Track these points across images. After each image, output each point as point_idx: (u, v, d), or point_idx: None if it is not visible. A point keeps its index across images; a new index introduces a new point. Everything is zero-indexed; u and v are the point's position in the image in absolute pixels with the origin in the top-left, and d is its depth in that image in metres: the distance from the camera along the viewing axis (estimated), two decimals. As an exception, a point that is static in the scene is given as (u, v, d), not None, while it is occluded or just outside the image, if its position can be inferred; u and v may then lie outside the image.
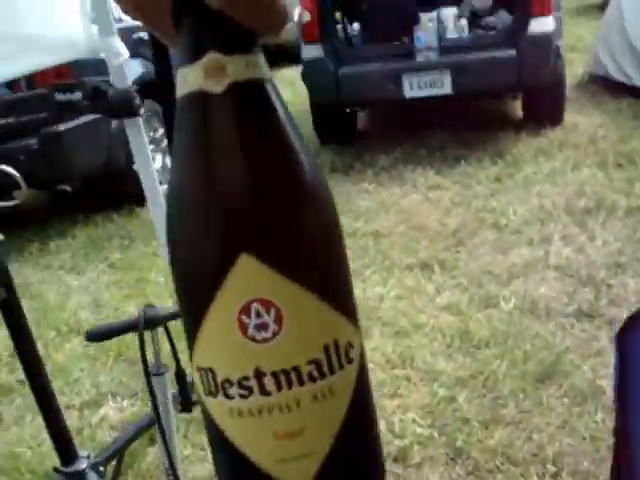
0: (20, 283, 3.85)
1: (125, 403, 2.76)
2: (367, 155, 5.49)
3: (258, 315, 0.37)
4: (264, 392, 0.37)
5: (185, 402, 1.76)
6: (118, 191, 4.98)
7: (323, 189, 0.40)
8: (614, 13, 6.63)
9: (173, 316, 1.54)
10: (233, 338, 0.37)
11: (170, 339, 1.57)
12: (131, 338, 1.93)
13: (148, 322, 1.48)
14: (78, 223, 4.91)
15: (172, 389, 1.70)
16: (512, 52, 4.95)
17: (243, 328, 0.37)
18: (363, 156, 5.48)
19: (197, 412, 2.57)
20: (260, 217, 0.37)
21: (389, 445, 2.34)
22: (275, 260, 0.37)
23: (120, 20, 5.03)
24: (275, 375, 0.37)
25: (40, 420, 1.71)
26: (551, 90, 5.38)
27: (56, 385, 2.79)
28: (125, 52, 1.53)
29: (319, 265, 0.40)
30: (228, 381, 0.38)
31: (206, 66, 0.37)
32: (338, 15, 5.55)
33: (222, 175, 0.38)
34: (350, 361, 0.40)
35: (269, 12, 0.38)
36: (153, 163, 5.02)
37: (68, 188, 4.64)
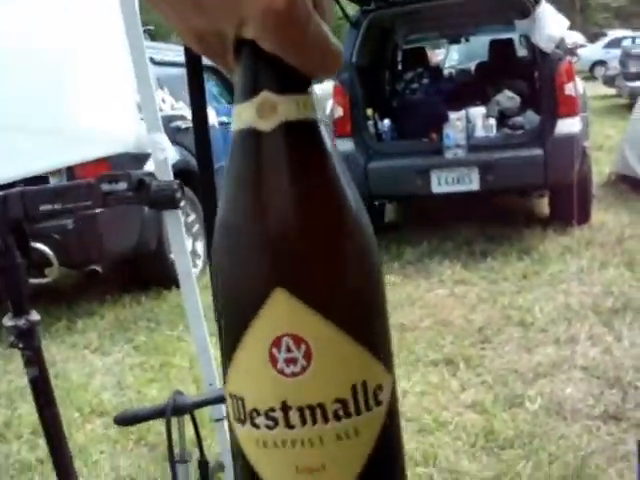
0: (46, 360, 3.90)
1: (143, 490, 2.74)
2: (394, 248, 5.54)
3: (288, 350, 0.38)
4: (289, 425, 0.38)
5: (208, 492, 1.75)
6: (147, 274, 5.06)
7: (367, 231, 0.41)
8: (642, 113, 6.76)
9: (201, 404, 1.56)
10: (263, 370, 0.38)
11: (196, 427, 1.58)
12: (152, 422, 1.94)
13: (176, 409, 1.50)
14: (106, 303, 4.97)
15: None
16: (539, 152, 5.04)
17: (273, 361, 0.38)
18: (390, 249, 5.53)
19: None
20: (299, 253, 0.38)
21: None
22: (309, 296, 0.38)
23: (160, 109, 5.25)
24: (300, 410, 0.38)
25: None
26: (578, 189, 5.44)
27: (75, 466, 2.81)
28: (170, 147, 1.61)
29: (355, 305, 0.40)
30: (256, 410, 0.39)
31: (258, 104, 0.38)
32: (369, 111, 5.70)
33: (267, 208, 0.39)
34: (379, 403, 0.40)
35: (322, 55, 0.38)
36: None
37: (99, 269, 4.72)
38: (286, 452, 0.39)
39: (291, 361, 0.38)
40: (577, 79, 5.41)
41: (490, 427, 2.94)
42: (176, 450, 1.59)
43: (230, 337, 0.40)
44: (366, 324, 0.41)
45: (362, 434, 0.40)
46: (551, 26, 5.22)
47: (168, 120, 4.33)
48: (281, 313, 0.38)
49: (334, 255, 0.40)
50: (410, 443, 2.87)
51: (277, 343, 0.38)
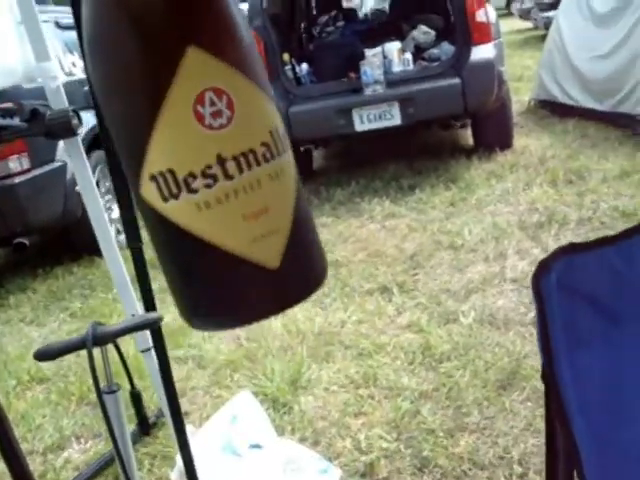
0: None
1: (89, 445, 2.73)
2: (324, 191, 5.56)
3: (212, 103, 0.38)
4: (228, 176, 0.39)
5: (142, 421, 1.76)
6: (77, 243, 4.97)
7: None
8: (555, 39, 6.86)
9: (122, 332, 1.55)
10: (192, 130, 0.38)
11: (121, 355, 1.57)
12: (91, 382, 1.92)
13: (97, 339, 1.48)
14: (38, 277, 4.88)
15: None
16: (456, 80, 5.08)
17: (200, 118, 0.38)
18: (320, 192, 5.54)
19: (161, 446, 2.56)
20: (205, 9, 0.38)
21: (356, 462, 2.34)
22: (220, 50, 0.38)
23: (71, 73, 5.10)
24: (235, 159, 0.40)
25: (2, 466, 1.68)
26: (498, 115, 5.53)
27: (19, 432, 2.78)
28: (61, 75, 1.57)
29: (257, 59, 0.41)
30: (191, 175, 0.39)
31: None
32: (286, 56, 5.65)
33: None
34: (286, 147, 0.43)
35: None
36: (111, 212, 4.99)
37: (26, 242, 4.61)
38: (230, 205, 0.41)
39: (217, 114, 0.39)
40: (488, 6, 5.44)
41: (427, 344, 3.00)
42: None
43: (141, 122, 0.39)
44: (264, 76, 0.44)
45: (286, 172, 0.44)
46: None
47: (82, 84, 4.22)
48: (198, 70, 0.38)
49: (237, 9, 0.40)
50: (350, 368, 2.92)
51: (200, 99, 0.38)
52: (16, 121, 1.52)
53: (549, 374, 0.86)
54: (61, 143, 2.66)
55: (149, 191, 0.40)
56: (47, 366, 3.45)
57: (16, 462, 1.62)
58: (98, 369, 1.46)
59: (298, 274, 0.48)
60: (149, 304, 1.62)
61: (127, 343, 2.47)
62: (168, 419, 1.93)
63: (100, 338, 1.51)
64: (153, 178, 0.40)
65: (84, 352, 1.41)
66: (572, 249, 0.88)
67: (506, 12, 21.16)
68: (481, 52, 5.12)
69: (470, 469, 2.24)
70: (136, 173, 0.40)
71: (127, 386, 2.31)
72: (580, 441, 0.93)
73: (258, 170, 0.41)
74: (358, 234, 4.54)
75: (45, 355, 1.52)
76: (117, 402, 1.61)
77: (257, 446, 2.01)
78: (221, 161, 0.39)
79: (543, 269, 0.86)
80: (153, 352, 1.79)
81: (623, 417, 0.99)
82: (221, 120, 0.40)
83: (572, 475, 0.96)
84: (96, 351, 1.50)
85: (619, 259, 0.93)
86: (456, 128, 6.10)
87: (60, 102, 1.54)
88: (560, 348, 0.87)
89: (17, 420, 2.90)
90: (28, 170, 4.44)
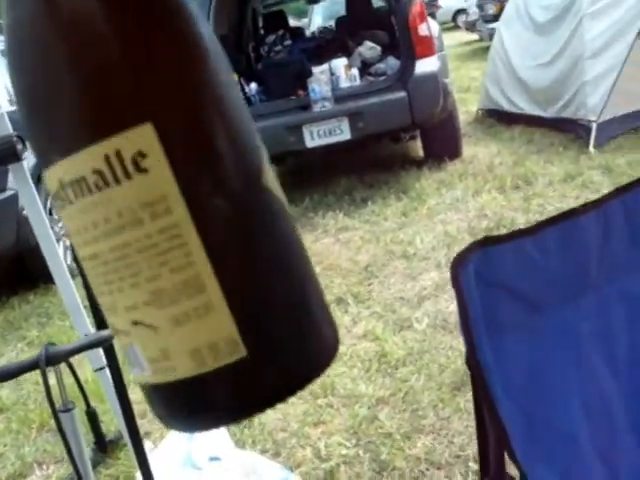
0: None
1: (51, 470, 2.73)
2: (278, 208, 5.60)
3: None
4: (69, 201, 0.37)
5: (99, 439, 1.79)
6: (32, 271, 4.93)
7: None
8: (498, 49, 7.03)
9: (75, 351, 1.58)
10: None
11: (75, 374, 1.60)
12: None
13: (50, 359, 1.51)
14: (-7, 307, 4.84)
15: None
16: (402, 94, 5.18)
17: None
18: (275, 209, 5.58)
19: (123, 467, 2.58)
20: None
21: (316, 469, 2.38)
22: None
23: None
24: (72, 184, 0.37)
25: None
26: (446, 126, 5.65)
27: (-22, 462, 2.77)
28: (5, 103, 1.60)
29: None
30: (54, 195, 0.38)
31: None
32: (235, 77, 5.70)
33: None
34: (143, 171, 0.36)
35: None
36: (66, 239, 4.96)
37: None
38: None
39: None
40: (430, 20, 5.58)
41: (383, 351, 3.06)
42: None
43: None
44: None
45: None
46: (397, -29, 5.35)
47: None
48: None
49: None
50: (309, 379, 2.95)
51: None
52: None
53: (472, 360, 0.92)
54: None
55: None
56: (6, 395, 3.43)
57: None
58: (53, 389, 1.49)
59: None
60: (101, 323, 1.65)
61: (87, 365, 2.49)
62: (126, 436, 1.95)
63: (53, 358, 1.54)
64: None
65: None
66: (488, 241, 0.95)
67: (452, 25, 21.57)
68: (425, 65, 5.24)
69: (427, 469, 2.30)
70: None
71: (84, 406, 2.33)
72: (508, 423, 0.99)
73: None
74: (313, 248, 4.59)
75: (0, 377, 1.54)
76: (73, 420, 1.64)
77: (216, 458, 2.04)
78: (62, 186, 0.37)
79: (460, 261, 0.93)
80: (107, 371, 1.82)
81: (549, 398, 1.06)
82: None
83: (503, 457, 1.02)
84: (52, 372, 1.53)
85: (535, 250, 0.99)
86: (406, 140, 6.20)
87: (4, 129, 1.57)
88: (481, 335, 0.93)
89: (-23, 450, 2.89)
90: (-21, 200, 4.41)
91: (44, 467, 2.76)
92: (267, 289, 0.39)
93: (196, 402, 0.39)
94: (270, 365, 0.39)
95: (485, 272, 0.94)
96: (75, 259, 0.46)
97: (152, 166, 0.36)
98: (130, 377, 2.60)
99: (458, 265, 0.92)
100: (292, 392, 0.40)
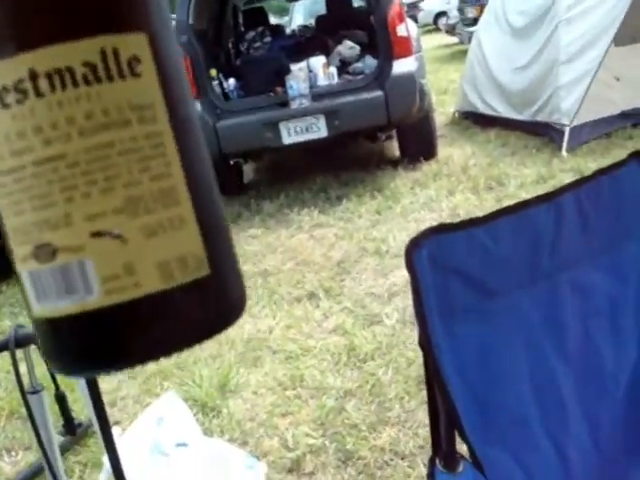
0: None
1: (20, 457, 2.74)
2: (254, 204, 5.64)
3: None
4: (39, 94, 0.34)
5: (68, 423, 1.80)
6: (4, 262, 4.91)
7: None
8: (476, 52, 7.10)
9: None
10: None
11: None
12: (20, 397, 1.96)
13: (20, 340, 1.53)
14: (-35, 297, 4.82)
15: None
16: (379, 93, 5.22)
17: None
18: (250, 205, 5.62)
19: (91, 454, 2.60)
20: None
21: (283, 458, 2.42)
22: None
23: None
24: (49, 75, 0.34)
25: None
26: (422, 126, 5.70)
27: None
28: None
29: None
30: (4, 89, 0.35)
31: None
32: (213, 72, 5.73)
33: None
34: (136, 75, 0.36)
35: None
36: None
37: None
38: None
39: None
40: (409, 21, 5.63)
41: (352, 345, 3.11)
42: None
43: None
44: None
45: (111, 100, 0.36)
46: (376, -29, 5.40)
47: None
48: None
49: None
50: (278, 371, 3.00)
51: None
52: None
53: (424, 341, 0.97)
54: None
55: None
56: (-25, 383, 3.43)
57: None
58: (24, 375, 1.51)
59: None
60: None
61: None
62: (95, 424, 1.98)
63: (22, 339, 1.56)
64: None
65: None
66: (442, 228, 0.99)
67: (434, 27, 21.70)
68: (402, 65, 5.29)
69: (392, 459, 2.35)
70: None
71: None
72: (459, 404, 1.04)
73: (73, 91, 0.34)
74: (287, 244, 4.63)
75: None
76: (41, 402, 1.66)
77: (183, 444, 2.07)
78: (33, 77, 0.34)
79: (415, 245, 0.97)
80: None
81: (500, 381, 1.10)
82: None
83: (454, 436, 1.06)
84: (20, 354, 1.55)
85: (487, 238, 1.04)
86: (382, 140, 6.26)
87: None
88: (434, 317, 0.97)
89: (-55, 437, 2.89)
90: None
91: (13, 454, 2.77)
92: (218, 212, 0.40)
93: (156, 323, 0.36)
94: (225, 287, 0.40)
95: (439, 257, 0.98)
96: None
97: (145, 73, 0.36)
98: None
99: (412, 249, 0.96)
100: (231, 323, 0.40)
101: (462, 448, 1.08)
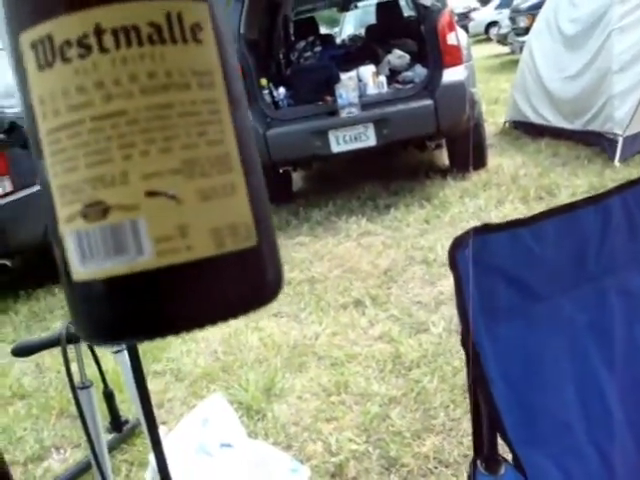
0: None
1: (68, 454, 2.80)
2: (302, 211, 5.68)
3: None
4: (103, 49, 0.35)
5: (114, 420, 1.84)
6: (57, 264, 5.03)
7: None
8: (527, 61, 7.04)
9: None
10: None
11: (94, 353, 1.66)
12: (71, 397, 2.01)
13: (71, 337, 1.57)
14: (20, 298, 4.94)
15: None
16: (429, 101, 5.22)
17: None
18: (299, 213, 5.66)
19: (138, 453, 2.64)
20: None
21: (326, 463, 2.43)
22: None
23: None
24: (115, 32, 0.34)
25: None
26: (472, 136, 5.67)
27: (0, 444, 2.85)
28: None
29: None
30: (67, 43, 0.35)
31: None
32: (264, 81, 5.79)
33: None
34: (198, 41, 0.36)
35: None
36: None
37: (8, 263, 4.69)
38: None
39: None
40: (459, 29, 5.62)
41: (397, 353, 3.10)
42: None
43: None
44: None
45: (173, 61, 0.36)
46: (427, -20, 5.40)
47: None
48: None
49: None
50: (323, 377, 3.01)
51: None
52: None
53: (467, 341, 0.97)
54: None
55: (29, 56, 0.36)
56: (28, 382, 3.52)
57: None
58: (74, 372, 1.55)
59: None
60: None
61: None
62: (143, 423, 2.01)
63: (74, 336, 1.60)
64: (32, 46, 0.36)
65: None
66: (486, 228, 0.99)
67: (485, 37, 21.56)
68: (452, 74, 5.28)
69: (436, 467, 2.33)
70: (15, 41, 0.37)
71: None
72: (502, 406, 1.03)
73: (138, 50, 0.35)
74: (335, 252, 4.64)
75: (21, 351, 1.61)
76: (90, 397, 1.70)
77: (228, 445, 2.09)
78: (98, 32, 0.34)
79: (458, 245, 0.97)
80: (125, 353, 1.88)
81: (543, 384, 1.09)
82: None
83: (496, 438, 1.06)
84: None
85: (532, 239, 1.03)
86: (431, 149, 6.24)
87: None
88: (478, 318, 0.97)
89: (-2, 433, 2.97)
90: (10, 193, 4.52)
91: (62, 451, 2.83)
92: (263, 186, 0.40)
93: (205, 289, 0.36)
94: (271, 260, 0.40)
95: (482, 257, 0.98)
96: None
97: (206, 41, 0.36)
98: (150, 359, 2.66)
99: (456, 249, 0.96)
100: (273, 297, 0.39)
101: (504, 450, 1.07)
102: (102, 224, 0.35)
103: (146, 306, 0.35)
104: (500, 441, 1.06)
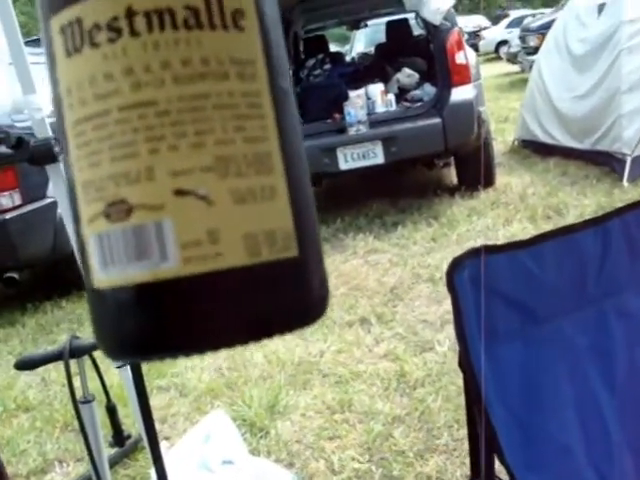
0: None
1: (71, 468, 2.80)
2: (310, 228, 5.68)
3: None
4: (134, 33, 0.32)
5: (117, 434, 1.84)
6: (66, 278, 5.06)
7: None
8: (536, 80, 7.06)
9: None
10: None
11: (97, 367, 1.67)
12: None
13: (74, 351, 1.58)
14: (27, 311, 4.95)
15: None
16: (437, 120, 5.24)
17: None
18: (306, 229, 5.66)
19: (141, 468, 2.63)
20: None
21: (328, 482, 2.42)
22: None
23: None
24: (147, 15, 0.31)
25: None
26: (480, 154, 5.67)
27: (3, 457, 2.83)
28: (45, 107, 1.69)
29: None
30: (96, 26, 0.32)
31: None
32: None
33: None
34: (240, 28, 0.33)
35: None
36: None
37: (16, 276, 4.71)
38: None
39: None
40: (467, 48, 5.64)
41: (402, 371, 3.09)
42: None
43: None
44: None
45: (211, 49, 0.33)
46: (437, -1, 5.43)
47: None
48: None
49: None
50: (327, 394, 3.00)
51: None
52: (3, 148, 1.63)
53: (465, 362, 0.97)
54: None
55: (57, 45, 0.34)
56: (33, 395, 3.52)
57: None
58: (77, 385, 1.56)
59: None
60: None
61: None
62: (142, 433, 2.01)
63: (77, 350, 1.61)
64: (62, 30, 0.33)
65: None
66: (485, 250, 0.99)
67: (495, 56, 21.62)
68: (461, 93, 5.30)
69: (438, 487, 2.32)
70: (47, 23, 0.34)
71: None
72: (499, 427, 1.03)
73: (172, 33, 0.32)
74: (341, 269, 4.64)
75: (25, 365, 1.62)
76: (92, 412, 1.70)
77: (229, 462, 2.09)
78: (130, 14, 0.31)
79: (456, 266, 0.97)
80: (129, 368, 1.88)
81: (543, 407, 1.09)
82: None
83: (493, 459, 1.05)
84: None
85: (531, 261, 1.04)
86: (439, 167, 6.25)
87: (44, 131, 1.66)
88: (475, 339, 0.97)
89: (2, 445, 2.97)
90: (19, 206, 4.55)
91: (64, 465, 2.83)
92: (309, 191, 0.36)
93: (237, 303, 0.32)
94: (315, 275, 0.35)
95: (480, 279, 0.99)
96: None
97: (248, 28, 0.33)
98: (154, 375, 2.66)
99: (453, 270, 0.97)
100: (321, 314, 0.35)
101: (501, 471, 1.07)
102: (124, 225, 0.31)
103: (168, 320, 0.32)
104: (498, 463, 1.06)
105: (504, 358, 1.02)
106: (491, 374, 1.00)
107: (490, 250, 1.01)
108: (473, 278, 0.97)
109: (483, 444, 1.03)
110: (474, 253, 0.99)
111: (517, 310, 1.04)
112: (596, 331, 1.13)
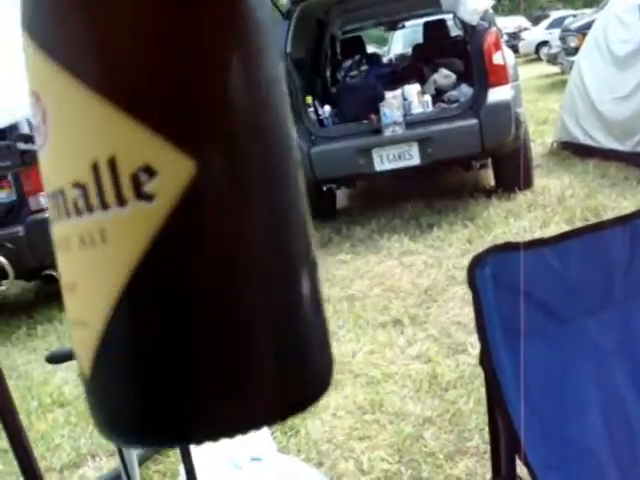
0: (7, 365, 3.96)
1: (103, 462, 2.84)
2: (345, 229, 5.68)
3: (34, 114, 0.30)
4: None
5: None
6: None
7: None
8: (576, 81, 6.96)
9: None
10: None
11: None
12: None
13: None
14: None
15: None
16: (474, 121, 5.19)
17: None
18: (341, 230, 5.67)
19: (171, 464, 2.66)
20: None
21: (357, 482, 2.41)
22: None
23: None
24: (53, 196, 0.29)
25: None
26: (517, 156, 5.61)
27: (38, 451, 2.89)
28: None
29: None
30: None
31: None
32: (309, 99, 5.83)
33: None
34: (147, 198, 0.26)
35: None
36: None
37: (54, 274, 4.77)
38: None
39: (37, 131, 0.30)
40: (505, 48, 5.59)
41: (434, 373, 3.07)
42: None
43: None
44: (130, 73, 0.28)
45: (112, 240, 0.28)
46: (474, -1, 5.39)
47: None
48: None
49: None
50: (358, 395, 2.99)
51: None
52: (35, 146, 1.66)
53: (486, 360, 0.96)
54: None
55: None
56: (69, 390, 3.57)
57: (33, 478, 1.73)
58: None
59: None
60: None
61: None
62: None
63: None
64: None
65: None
66: (507, 247, 0.98)
67: (535, 57, 21.38)
68: (498, 94, 5.24)
69: (467, 490, 2.30)
70: None
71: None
72: (521, 427, 1.02)
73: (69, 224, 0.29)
74: (375, 270, 4.63)
75: (55, 358, 1.64)
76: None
77: (258, 459, 2.10)
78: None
79: (477, 263, 0.96)
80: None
81: (566, 408, 1.08)
82: (40, 140, 0.29)
83: (514, 458, 1.04)
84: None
85: (556, 259, 1.02)
86: (476, 169, 6.19)
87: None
88: (497, 337, 0.96)
89: (37, 440, 3.01)
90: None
91: (97, 459, 2.87)
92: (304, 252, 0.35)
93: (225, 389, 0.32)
94: (311, 354, 0.35)
95: (502, 276, 0.98)
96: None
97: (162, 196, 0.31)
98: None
99: (475, 267, 0.96)
100: (314, 399, 0.34)
101: (522, 471, 1.06)
102: None
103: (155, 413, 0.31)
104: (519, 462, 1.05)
105: (526, 357, 1.01)
106: (512, 372, 0.99)
107: (513, 247, 1.00)
108: (495, 275, 0.96)
109: (504, 444, 1.02)
110: (496, 250, 0.98)
111: (540, 308, 1.02)
112: (622, 332, 1.11)
